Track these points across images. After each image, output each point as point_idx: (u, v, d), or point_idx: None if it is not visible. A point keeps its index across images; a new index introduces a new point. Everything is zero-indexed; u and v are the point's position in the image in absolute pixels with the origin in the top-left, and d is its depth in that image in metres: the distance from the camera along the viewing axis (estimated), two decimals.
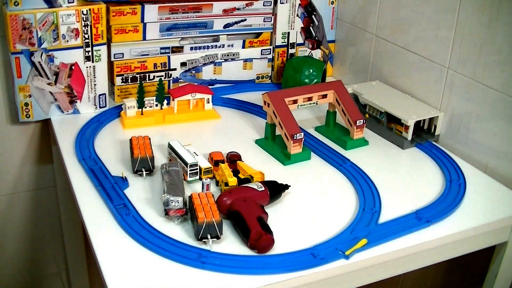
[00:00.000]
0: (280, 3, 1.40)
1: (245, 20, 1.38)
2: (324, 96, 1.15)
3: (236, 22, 1.37)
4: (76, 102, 1.23)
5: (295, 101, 1.12)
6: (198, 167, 0.98)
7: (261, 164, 1.03)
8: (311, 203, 0.95)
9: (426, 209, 0.93)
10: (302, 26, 1.46)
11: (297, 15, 1.44)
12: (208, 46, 1.36)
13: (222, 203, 0.87)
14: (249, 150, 1.11)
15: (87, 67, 1.21)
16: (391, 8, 1.29)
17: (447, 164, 1.08)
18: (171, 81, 1.35)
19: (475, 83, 1.08)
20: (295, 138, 1.05)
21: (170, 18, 1.28)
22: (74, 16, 1.16)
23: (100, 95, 1.25)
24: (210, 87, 1.33)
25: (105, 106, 1.27)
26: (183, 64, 1.35)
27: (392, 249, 0.84)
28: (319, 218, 0.91)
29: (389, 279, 0.89)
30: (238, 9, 1.35)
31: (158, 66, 1.32)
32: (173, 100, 1.22)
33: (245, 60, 1.42)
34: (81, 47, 1.19)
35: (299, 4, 1.43)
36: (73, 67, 1.20)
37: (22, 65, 1.16)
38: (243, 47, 1.41)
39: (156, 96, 1.21)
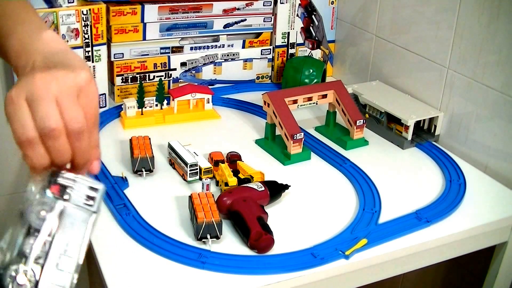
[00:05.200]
0: (280, 3, 1.40)
1: (245, 20, 1.38)
2: (324, 96, 1.15)
3: (236, 22, 1.37)
4: None
5: (295, 101, 1.12)
6: (198, 167, 0.98)
7: (261, 164, 1.03)
8: (311, 203, 0.95)
9: (426, 209, 0.93)
10: (302, 26, 1.46)
11: (297, 15, 1.44)
12: (208, 46, 1.36)
13: (222, 203, 0.87)
14: (249, 150, 1.11)
15: None
16: (391, 8, 1.29)
17: (447, 164, 1.08)
18: (171, 81, 1.35)
19: (475, 83, 1.08)
20: (295, 138, 1.05)
21: (170, 18, 1.28)
22: (74, 16, 1.16)
23: (100, 95, 1.25)
24: (210, 87, 1.33)
25: (105, 106, 1.27)
26: (183, 64, 1.35)
27: (392, 249, 0.84)
28: (319, 218, 0.91)
29: (389, 279, 0.89)
30: (238, 9, 1.35)
31: (158, 66, 1.32)
32: (173, 100, 1.22)
33: (245, 60, 1.42)
34: (81, 47, 1.19)
35: (299, 4, 1.43)
36: None
37: None
38: (243, 47, 1.41)
39: (156, 96, 1.21)
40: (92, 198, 0.51)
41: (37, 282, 0.48)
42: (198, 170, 0.98)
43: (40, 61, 0.51)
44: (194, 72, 1.37)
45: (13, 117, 0.48)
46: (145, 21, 1.26)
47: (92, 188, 0.51)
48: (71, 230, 0.50)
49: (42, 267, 0.48)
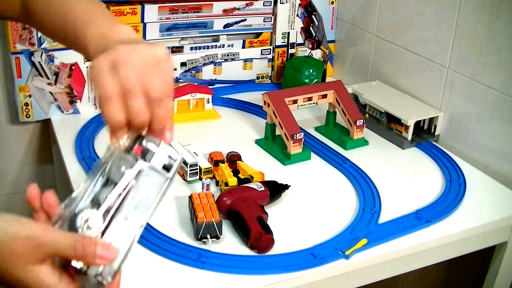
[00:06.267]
0: (280, 3, 1.40)
1: (245, 20, 1.38)
2: (324, 96, 1.15)
3: (236, 22, 1.37)
4: (76, 102, 1.23)
5: (295, 101, 1.12)
6: (198, 167, 0.98)
7: (261, 164, 1.03)
8: (311, 203, 0.95)
9: (426, 209, 0.93)
10: (302, 26, 1.46)
11: (297, 15, 1.44)
12: (208, 46, 1.36)
13: (222, 203, 0.87)
14: (249, 150, 1.11)
15: (87, 67, 1.21)
16: (391, 8, 1.29)
17: (447, 164, 1.08)
18: None
19: (475, 83, 1.08)
20: (295, 138, 1.05)
21: (170, 18, 1.28)
22: None
23: None
24: (210, 87, 1.33)
25: None
26: (183, 64, 1.35)
27: (392, 249, 0.84)
28: (319, 218, 0.91)
29: (389, 279, 0.89)
30: (238, 9, 1.35)
31: None
32: (173, 100, 1.21)
33: (245, 60, 1.42)
34: None
35: (299, 4, 1.43)
36: (73, 67, 1.20)
37: (22, 65, 1.16)
38: (243, 47, 1.41)
39: None
40: (169, 166, 0.54)
41: (105, 229, 0.51)
42: (198, 170, 0.98)
43: (120, 43, 0.56)
44: (194, 72, 1.37)
45: (96, 78, 0.53)
46: (145, 21, 1.26)
47: (171, 157, 0.54)
48: (145, 190, 0.53)
49: (112, 217, 0.51)
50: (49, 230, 0.49)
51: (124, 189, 0.52)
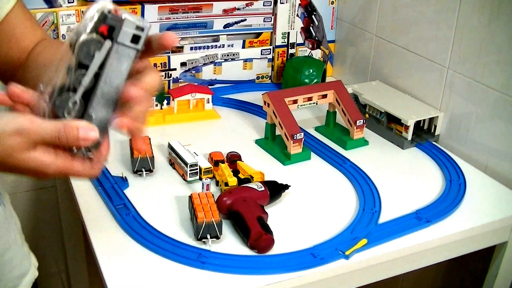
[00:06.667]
0: (280, 3, 1.40)
1: (245, 20, 1.38)
2: (324, 96, 1.15)
3: (236, 22, 1.37)
4: None
5: (295, 101, 1.12)
6: (198, 167, 0.98)
7: (261, 164, 1.03)
8: (311, 203, 0.95)
9: (426, 209, 0.93)
10: (302, 26, 1.46)
11: (297, 15, 1.44)
12: (208, 46, 1.36)
13: (222, 203, 0.87)
14: (249, 150, 1.11)
15: None
16: (391, 8, 1.29)
17: (447, 164, 1.08)
18: (171, 81, 1.35)
19: (475, 83, 1.08)
20: (295, 138, 1.05)
21: (170, 18, 1.28)
22: (74, 16, 1.16)
23: None
24: (210, 87, 1.33)
25: None
26: (183, 64, 1.35)
27: (392, 249, 0.84)
28: (319, 218, 0.91)
29: (389, 279, 0.89)
30: (238, 9, 1.35)
31: (158, 66, 1.32)
32: (173, 100, 1.22)
33: (245, 60, 1.42)
34: None
35: (299, 4, 1.43)
36: None
37: None
38: (243, 47, 1.41)
39: (156, 96, 1.21)
40: (138, 37, 0.55)
41: (85, 109, 0.55)
42: (198, 170, 0.98)
43: None
44: (194, 72, 1.37)
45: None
46: None
47: (138, 28, 0.55)
48: (117, 65, 0.55)
49: (89, 97, 0.55)
50: (35, 121, 0.53)
51: (96, 70, 0.54)
